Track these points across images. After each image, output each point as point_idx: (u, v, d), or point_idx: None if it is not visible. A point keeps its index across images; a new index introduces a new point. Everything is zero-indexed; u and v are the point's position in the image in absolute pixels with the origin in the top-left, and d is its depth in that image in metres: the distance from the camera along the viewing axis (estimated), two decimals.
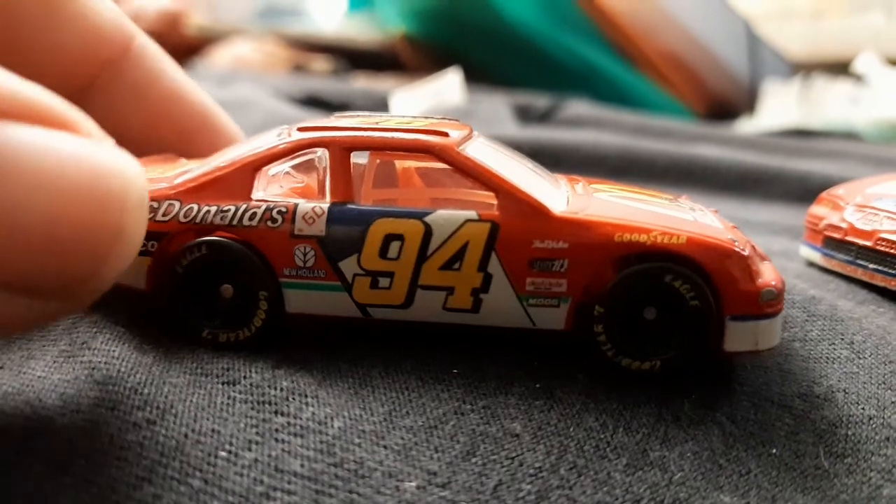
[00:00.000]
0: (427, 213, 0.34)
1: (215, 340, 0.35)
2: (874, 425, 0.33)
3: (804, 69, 1.36)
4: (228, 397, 0.31)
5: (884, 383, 0.36)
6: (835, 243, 0.48)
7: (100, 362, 0.31)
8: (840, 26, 1.50)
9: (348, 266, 0.34)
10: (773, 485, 0.30)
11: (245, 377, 0.32)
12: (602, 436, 0.31)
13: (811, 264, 0.51)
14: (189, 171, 0.37)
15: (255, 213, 0.34)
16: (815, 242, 0.50)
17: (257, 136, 0.38)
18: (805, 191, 0.73)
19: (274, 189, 0.36)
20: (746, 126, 1.19)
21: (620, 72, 1.28)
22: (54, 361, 0.32)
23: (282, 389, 0.31)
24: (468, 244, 0.34)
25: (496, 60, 1.36)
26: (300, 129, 0.36)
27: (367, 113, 0.40)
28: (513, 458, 0.30)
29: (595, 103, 1.18)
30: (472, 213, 0.34)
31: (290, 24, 1.69)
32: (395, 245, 0.34)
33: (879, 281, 0.45)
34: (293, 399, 0.31)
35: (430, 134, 0.35)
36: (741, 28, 1.39)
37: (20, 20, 0.39)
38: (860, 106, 1.13)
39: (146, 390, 0.30)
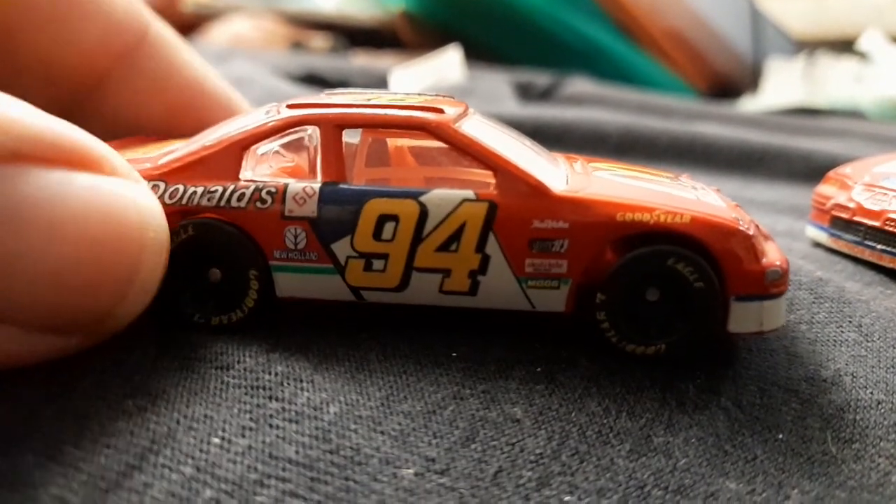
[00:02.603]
0: (422, 193, 0.33)
1: (207, 324, 0.34)
2: (883, 410, 0.32)
3: (808, 47, 1.35)
4: (222, 382, 0.30)
5: (892, 367, 0.35)
6: (842, 223, 0.48)
7: (89, 349, 0.31)
8: (844, 3, 1.49)
9: (341, 248, 0.33)
10: (779, 471, 0.29)
11: (239, 362, 0.31)
12: (605, 421, 0.30)
13: (817, 245, 0.51)
14: (174, 150, 0.36)
15: (243, 194, 0.33)
16: (822, 222, 0.50)
17: (245, 113, 0.37)
18: (809, 169, 0.72)
19: (263, 169, 0.35)
20: (750, 104, 1.18)
21: (623, 49, 1.27)
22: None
23: (276, 374, 0.31)
24: (465, 224, 0.33)
25: (497, 37, 1.34)
26: (290, 107, 0.35)
27: (359, 90, 0.39)
28: (513, 444, 0.29)
29: (597, 81, 1.17)
30: (469, 193, 0.33)
31: (288, 1, 1.67)
32: (389, 226, 0.33)
33: (887, 262, 0.45)
34: (288, 384, 0.30)
35: (424, 111, 0.34)
36: (745, 5, 1.38)
37: (34, 14, 0.39)
38: (864, 84, 1.12)
39: (137, 377, 0.30)
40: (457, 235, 0.33)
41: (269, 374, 0.31)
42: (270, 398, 0.30)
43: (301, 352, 0.33)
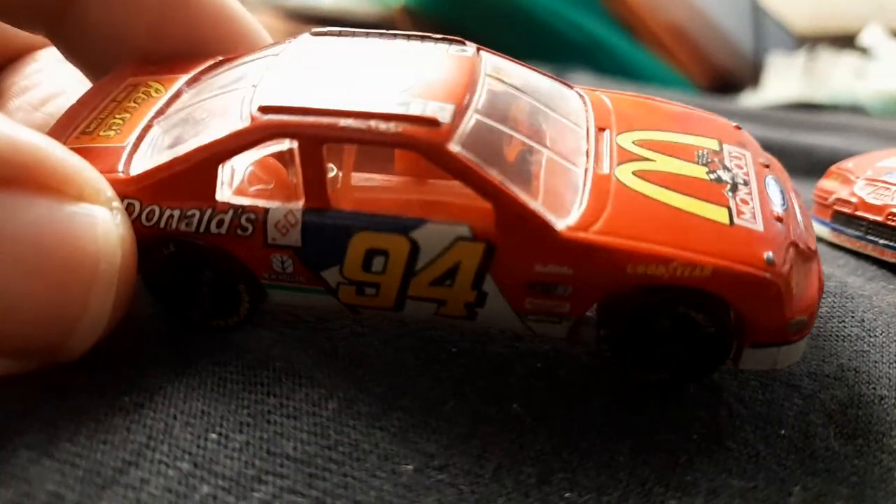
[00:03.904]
0: (413, 227, 0.29)
1: (205, 325, 0.33)
2: (886, 406, 0.32)
3: (809, 42, 1.34)
4: (220, 378, 0.30)
5: (895, 362, 0.35)
6: (844, 218, 0.47)
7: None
8: None
9: (330, 275, 0.31)
10: (781, 467, 0.29)
11: (237, 357, 0.31)
12: (605, 418, 0.30)
13: (819, 240, 0.50)
14: (151, 142, 0.32)
15: (222, 221, 0.30)
16: (824, 217, 0.49)
17: (221, 105, 0.32)
18: (810, 164, 0.72)
19: (241, 178, 0.32)
20: (750, 99, 1.18)
21: (623, 44, 1.27)
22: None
23: (275, 370, 0.30)
24: (460, 264, 0.30)
25: (497, 32, 1.34)
26: (262, 109, 0.30)
27: (349, 30, 0.35)
28: (513, 441, 0.29)
29: (597, 76, 1.16)
30: (464, 230, 0.29)
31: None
32: (378, 260, 0.30)
33: (890, 257, 0.44)
34: (286, 380, 0.30)
35: (416, 122, 0.29)
36: (745, 0, 1.37)
37: None
38: (866, 79, 1.12)
39: (133, 372, 0.29)
40: (451, 273, 0.30)
41: (268, 369, 0.30)
42: (268, 394, 0.29)
43: (300, 347, 0.32)
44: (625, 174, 0.31)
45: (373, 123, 0.29)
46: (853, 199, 0.47)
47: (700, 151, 0.33)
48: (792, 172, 0.72)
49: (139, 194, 0.30)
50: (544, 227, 0.29)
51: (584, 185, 0.30)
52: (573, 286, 0.29)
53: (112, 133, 0.33)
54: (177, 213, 0.30)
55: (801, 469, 0.29)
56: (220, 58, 0.37)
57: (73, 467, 0.26)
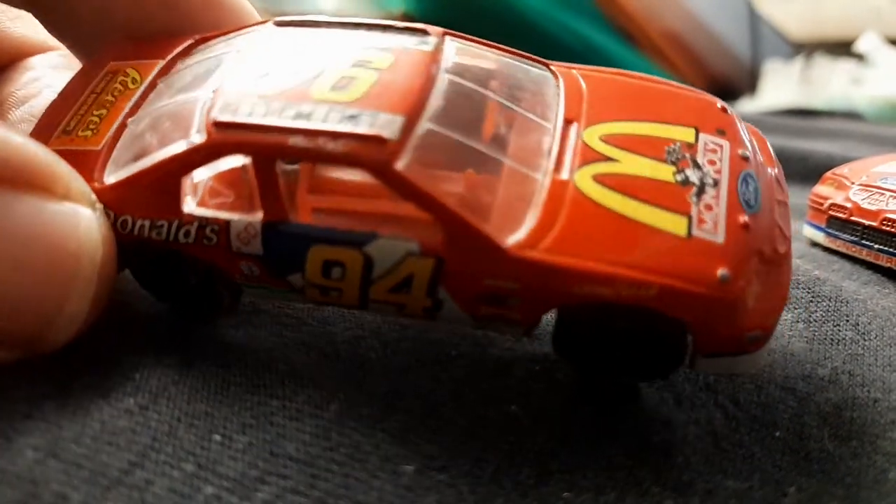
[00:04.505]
0: (365, 242, 0.29)
1: (199, 317, 0.34)
2: (880, 408, 0.33)
3: (806, 49, 1.35)
4: (223, 380, 0.30)
5: (889, 365, 0.35)
6: (839, 223, 0.48)
7: (91, 347, 0.31)
8: (842, 5, 1.49)
9: (295, 279, 0.31)
10: (776, 468, 0.30)
11: (240, 360, 0.31)
12: (602, 419, 0.31)
13: (815, 244, 0.51)
14: (122, 148, 0.32)
15: (189, 231, 0.31)
16: (819, 222, 0.50)
17: (183, 112, 0.32)
18: (807, 170, 0.72)
19: (201, 191, 0.32)
20: (747, 105, 1.18)
21: (620, 50, 1.27)
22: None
23: (277, 372, 0.31)
24: (413, 275, 0.29)
25: (496, 39, 1.35)
26: (217, 125, 0.29)
27: (311, 20, 0.34)
28: (512, 442, 0.29)
29: None
30: (413, 246, 0.29)
31: (287, 2, 1.67)
32: (336, 270, 0.30)
33: (884, 262, 0.45)
34: (288, 382, 0.30)
35: (362, 140, 0.28)
36: (742, 7, 1.38)
37: None
38: (862, 85, 1.12)
39: (138, 375, 0.30)
40: (406, 282, 0.30)
41: (270, 372, 0.31)
42: (271, 396, 0.30)
43: (302, 351, 0.33)
44: (584, 179, 0.30)
45: (320, 142, 0.28)
46: (848, 205, 0.47)
47: (671, 146, 0.31)
48: (788, 178, 0.72)
49: (112, 205, 0.31)
50: (491, 245, 0.28)
51: (541, 194, 0.30)
52: (521, 298, 0.29)
53: (89, 133, 0.33)
54: (147, 223, 0.31)
55: (795, 470, 0.30)
56: (196, 37, 0.37)
57: (78, 468, 0.26)
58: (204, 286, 0.33)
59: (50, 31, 0.40)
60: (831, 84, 1.14)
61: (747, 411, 0.32)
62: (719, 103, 0.34)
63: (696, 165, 0.30)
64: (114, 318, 0.33)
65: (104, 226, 0.30)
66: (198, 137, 0.30)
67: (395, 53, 0.31)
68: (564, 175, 0.30)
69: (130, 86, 0.35)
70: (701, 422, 0.31)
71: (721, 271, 0.27)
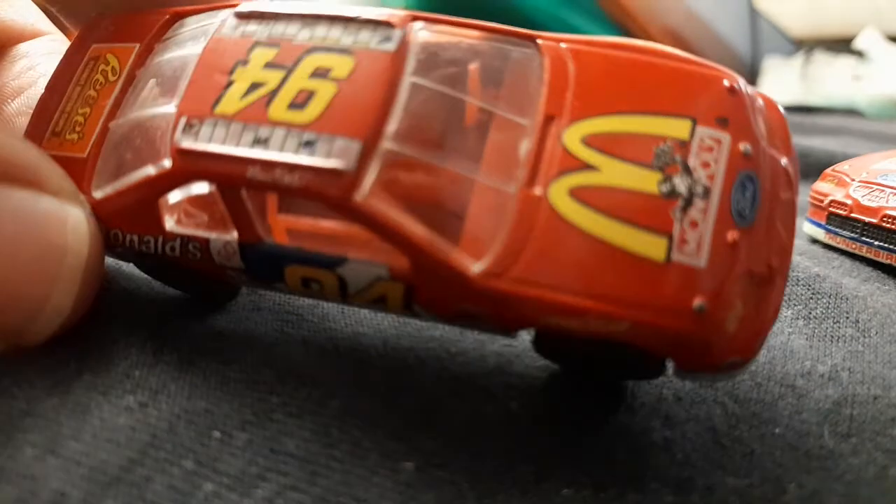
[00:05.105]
0: (336, 264, 0.29)
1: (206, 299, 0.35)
2: (880, 405, 0.32)
3: (806, 45, 1.35)
4: (223, 377, 0.30)
5: (889, 362, 0.35)
6: (839, 220, 0.48)
7: (90, 344, 0.31)
8: (842, 3, 1.49)
9: (279, 286, 0.31)
10: (776, 465, 0.29)
11: (240, 356, 0.31)
12: (602, 416, 0.31)
13: (815, 241, 0.51)
14: (105, 157, 0.32)
15: (174, 247, 0.31)
16: (819, 219, 0.50)
17: (152, 126, 0.32)
18: (807, 167, 0.72)
19: (181, 207, 0.32)
20: None
21: None
22: (45, 344, 0.32)
23: (277, 369, 0.31)
24: (386, 295, 0.29)
25: None
26: (180, 153, 0.29)
27: (272, 12, 0.32)
28: (512, 439, 0.29)
29: None
30: (382, 271, 0.28)
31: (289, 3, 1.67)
32: (315, 285, 0.30)
33: (884, 258, 0.45)
34: (288, 379, 0.30)
35: (317, 172, 0.27)
36: (742, 4, 1.38)
37: None
38: (862, 82, 1.12)
39: (137, 372, 0.30)
40: (381, 300, 0.29)
41: (270, 368, 0.31)
42: (271, 392, 0.30)
43: (303, 347, 0.33)
44: (559, 195, 0.27)
45: (277, 174, 0.27)
46: (848, 202, 0.47)
47: (661, 147, 0.28)
48: None
49: (101, 219, 0.31)
50: (457, 274, 0.27)
51: (511, 212, 0.28)
52: (492, 322, 0.28)
53: (76, 137, 0.33)
54: (136, 237, 0.31)
55: (795, 467, 0.29)
56: (169, 13, 0.35)
57: (77, 465, 0.26)
58: (206, 281, 0.33)
59: (60, 15, 0.40)
60: (831, 81, 1.14)
61: (747, 408, 0.32)
62: (727, 81, 0.29)
63: (687, 170, 0.27)
64: (113, 316, 0.33)
65: (92, 224, 0.30)
66: (166, 162, 0.30)
67: (357, 57, 0.29)
68: (538, 189, 0.28)
69: (111, 77, 0.35)
70: (700, 418, 0.31)
71: (697, 302, 0.26)
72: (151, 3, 0.37)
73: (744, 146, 0.28)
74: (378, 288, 0.29)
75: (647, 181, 0.27)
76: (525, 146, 0.29)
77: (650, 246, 0.26)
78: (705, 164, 0.28)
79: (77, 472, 0.26)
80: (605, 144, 0.28)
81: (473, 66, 0.31)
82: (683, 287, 0.26)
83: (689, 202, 0.27)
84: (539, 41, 0.31)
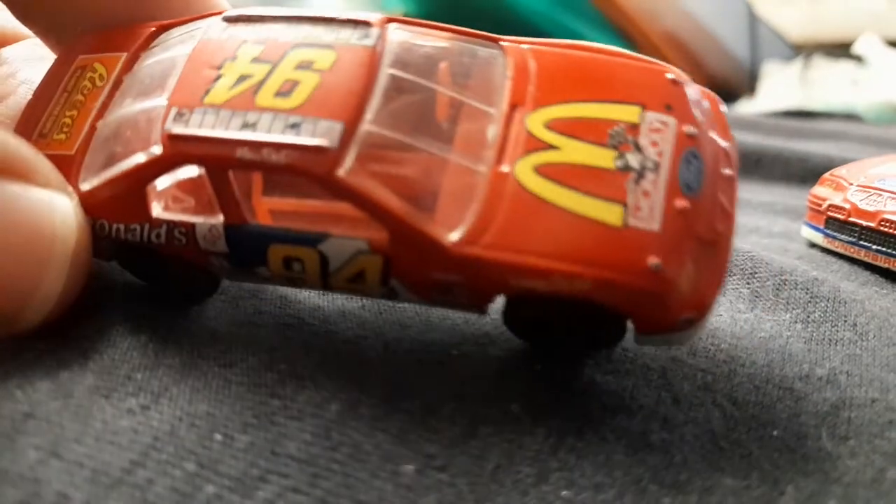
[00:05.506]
0: (318, 241, 0.30)
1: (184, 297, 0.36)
2: (878, 408, 0.33)
3: (805, 51, 1.35)
4: (225, 380, 0.31)
5: (887, 366, 0.35)
6: (837, 224, 0.48)
7: (93, 347, 0.31)
8: (841, 8, 1.49)
9: (262, 271, 0.32)
10: (774, 467, 0.30)
11: (241, 360, 0.32)
12: (602, 418, 0.31)
13: (813, 245, 0.51)
14: (92, 153, 0.33)
15: (159, 234, 0.32)
16: (818, 223, 0.50)
17: (143, 119, 0.33)
18: (806, 171, 0.73)
19: (168, 193, 0.33)
20: (746, 107, 1.18)
21: None
22: (47, 347, 0.32)
23: (278, 372, 0.31)
24: (365, 270, 0.31)
25: None
26: (171, 138, 0.30)
27: (258, 14, 0.34)
28: (511, 441, 0.29)
29: None
30: (362, 244, 0.30)
31: (287, 5, 1.67)
32: (297, 265, 0.31)
33: (882, 262, 0.45)
34: (290, 382, 0.31)
35: (303, 150, 0.29)
36: (742, 9, 1.38)
37: None
38: (860, 87, 1.13)
39: (139, 375, 0.30)
40: (360, 275, 0.31)
41: (272, 371, 0.31)
42: (272, 396, 0.30)
43: (303, 350, 0.33)
44: (525, 171, 0.30)
45: (265, 153, 0.29)
46: (846, 206, 0.47)
47: (614, 129, 0.31)
48: (787, 179, 0.74)
49: (88, 210, 0.32)
50: (434, 243, 0.29)
51: (482, 187, 0.30)
52: (466, 288, 0.30)
53: (63, 137, 0.34)
54: (122, 226, 0.32)
55: (793, 469, 0.30)
56: (155, 26, 0.37)
57: (80, 467, 0.26)
58: (185, 274, 0.34)
59: (17, 17, 0.40)
60: (830, 86, 1.14)
61: (745, 411, 0.32)
62: (670, 73, 0.33)
63: (638, 148, 0.30)
64: (115, 319, 0.33)
65: (79, 214, 0.31)
66: (156, 149, 0.31)
67: (338, 51, 0.31)
68: (506, 167, 0.30)
69: (98, 83, 0.36)
70: (699, 421, 0.31)
71: (653, 261, 0.28)
72: (133, 22, 0.37)
73: (688, 128, 0.31)
74: (358, 262, 0.30)
75: (603, 158, 0.30)
76: (493, 131, 0.31)
77: (608, 213, 0.29)
78: (654, 143, 0.31)
79: (79, 475, 0.26)
80: (565, 128, 0.31)
81: (444, 63, 0.33)
82: (639, 248, 0.28)
83: (641, 175, 0.30)
84: (503, 43, 0.34)
